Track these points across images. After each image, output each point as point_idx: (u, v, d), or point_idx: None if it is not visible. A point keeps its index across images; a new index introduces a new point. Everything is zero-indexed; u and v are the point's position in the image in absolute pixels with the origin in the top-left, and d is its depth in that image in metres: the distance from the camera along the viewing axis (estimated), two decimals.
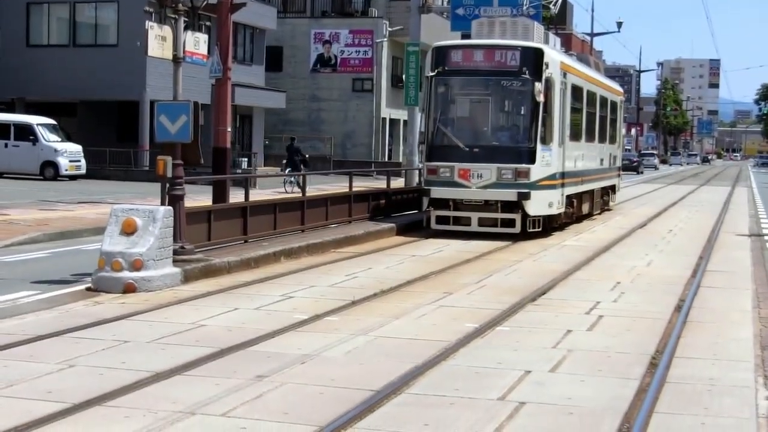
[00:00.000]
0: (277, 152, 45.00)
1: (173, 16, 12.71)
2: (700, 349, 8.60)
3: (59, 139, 33.84)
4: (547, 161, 18.05)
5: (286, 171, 30.18)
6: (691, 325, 9.71)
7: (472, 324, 9.34)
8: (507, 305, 10.50)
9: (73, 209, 21.10)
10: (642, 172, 69.01)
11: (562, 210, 19.15)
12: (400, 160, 46.95)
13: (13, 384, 6.87)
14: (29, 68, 37.61)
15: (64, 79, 37.30)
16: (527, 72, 17.74)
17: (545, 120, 17.97)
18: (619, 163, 28.12)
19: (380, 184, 27.82)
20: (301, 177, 19.56)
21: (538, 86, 17.54)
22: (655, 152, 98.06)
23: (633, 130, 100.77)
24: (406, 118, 31.06)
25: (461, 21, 26.95)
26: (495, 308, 10.29)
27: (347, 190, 19.16)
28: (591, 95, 22.52)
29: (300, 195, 17.30)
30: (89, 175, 33.84)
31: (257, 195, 19.37)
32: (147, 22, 12.74)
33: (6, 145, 33.27)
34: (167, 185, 12.24)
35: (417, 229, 18.67)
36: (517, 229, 17.67)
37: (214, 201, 16.92)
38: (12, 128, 33.44)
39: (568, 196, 19.54)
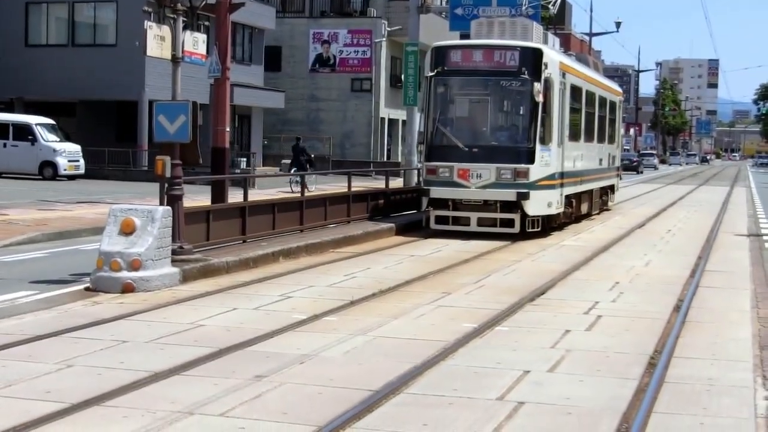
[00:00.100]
0: (276, 152, 45.04)
1: (172, 15, 12.71)
2: (699, 349, 8.60)
3: (58, 139, 33.85)
4: (546, 161, 18.06)
5: (292, 171, 30.16)
6: (689, 325, 9.70)
7: (470, 324, 9.34)
8: (506, 305, 10.50)
9: (71, 209, 21.10)
10: (642, 172, 69.14)
11: (561, 210, 19.16)
12: (399, 160, 46.95)
13: (12, 384, 6.86)
14: (28, 68, 37.60)
15: (63, 79, 37.30)
16: (526, 72, 17.75)
17: (544, 120, 17.98)
18: (618, 163, 28.12)
19: (379, 184, 27.81)
20: (306, 177, 19.58)
21: (537, 86, 17.55)
22: (654, 152, 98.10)
23: (632, 130, 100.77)
24: (404, 118, 31.04)
25: (460, 21, 26.95)
26: (494, 308, 10.29)
27: (346, 190, 19.17)
28: (590, 95, 22.53)
29: (302, 195, 17.32)
30: (88, 175, 33.84)
31: (256, 195, 19.37)
32: (146, 21, 12.73)
33: (5, 145, 33.27)
34: (166, 185, 12.24)
35: (416, 229, 18.67)
36: (517, 229, 17.68)
37: (213, 201, 16.93)
38: (11, 128, 33.44)
39: (567, 196, 19.55)
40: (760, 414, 6.59)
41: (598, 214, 24.08)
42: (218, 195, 17.09)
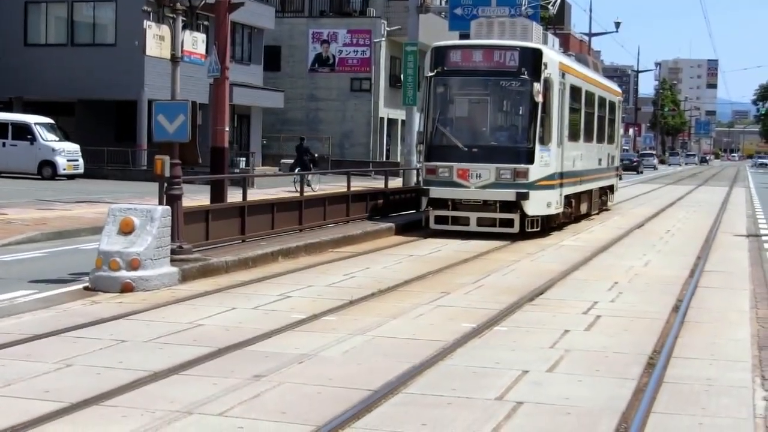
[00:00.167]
0: (275, 152, 45.05)
1: (171, 15, 12.72)
2: (698, 349, 8.60)
3: (57, 139, 33.83)
4: (545, 161, 18.07)
5: (296, 171, 30.14)
6: (688, 325, 9.71)
7: (469, 324, 9.34)
8: (505, 305, 10.50)
9: (70, 209, 21.09)
10: (642, 172, 69.24)
11: (561, 210, 19.16)
12: (398, 159, 46.95)
13: (11, 383, 6.86)
14: (27, 67, 37.58)
15: (62, 79, 37.28)
16: (526, 72, 17.76)
17: (544, 120, 17.99)
18: (617, 163, 28.14)
19: (378, 183, 27.79)
20: (309, 176, 19.57)
21: (537, 86, 17.56)
22: (653, 152, 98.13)
23: (631, 131, 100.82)
24: (404, 117, 31.05)
25: (459, 21, 26.96)
26: (493, 308, 10.29)
27: (345, 189, 19.17)
28: (589, 95, 22.54)
29: (304, 194, 17.33)
30: (87, 174, 33.82)
31: (255, 195, 19.38)
32: (145, 21, 12.75)
33: (4, 145, 33.26)
34: (165, 185, 12.24)
35: (415, 228, 18.67)
36: (516, 229, 17.68)
37: (212, 200, 16.92)
38: (10, 127, 33.43)
39: (566, 196, 19.56)
40: (759, 414, 6.59)
41: (597, 214, 24.09)
42: (217, 195, 17.08)
